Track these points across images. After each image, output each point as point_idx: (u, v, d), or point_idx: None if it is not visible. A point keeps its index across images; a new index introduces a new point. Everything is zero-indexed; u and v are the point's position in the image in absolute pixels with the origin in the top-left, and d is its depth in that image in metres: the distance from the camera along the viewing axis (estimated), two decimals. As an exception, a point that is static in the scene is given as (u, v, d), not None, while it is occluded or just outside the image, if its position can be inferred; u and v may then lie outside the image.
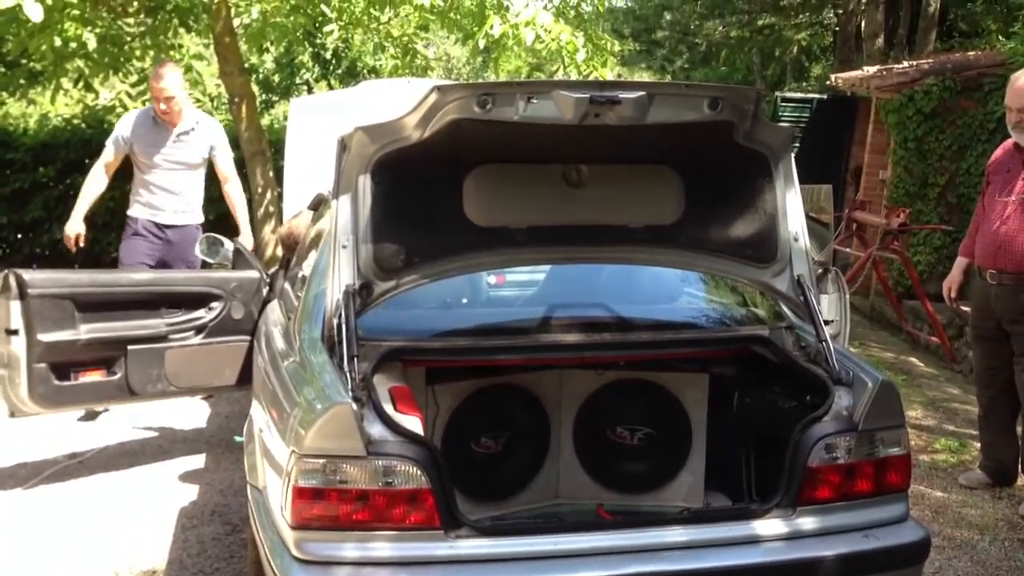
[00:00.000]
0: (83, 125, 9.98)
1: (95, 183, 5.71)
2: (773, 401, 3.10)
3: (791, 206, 2.98)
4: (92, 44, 7.37)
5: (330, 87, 16.35)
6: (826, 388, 2.77)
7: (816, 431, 2.66)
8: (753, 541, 2.60)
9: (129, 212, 5.75)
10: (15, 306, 3.92)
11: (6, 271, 4.00)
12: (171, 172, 5.68)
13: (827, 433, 2.66)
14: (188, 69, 9.31)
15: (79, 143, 9.75)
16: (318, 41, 15.19)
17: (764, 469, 3.05)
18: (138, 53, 8.18)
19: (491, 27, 6.97)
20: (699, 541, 2.60)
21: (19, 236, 9.86)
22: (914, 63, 9.86)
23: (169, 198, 5.70)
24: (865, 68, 10.89)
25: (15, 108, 10.93)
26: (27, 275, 3.97)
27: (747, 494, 3.14)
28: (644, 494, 3.39)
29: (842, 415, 2.70)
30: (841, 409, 2.70)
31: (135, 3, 7.64)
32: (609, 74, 8.21)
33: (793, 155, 2.97)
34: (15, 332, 3.90)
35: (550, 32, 7.10)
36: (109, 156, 5.67)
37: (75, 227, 5.57)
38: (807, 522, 2.64)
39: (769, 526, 2.62)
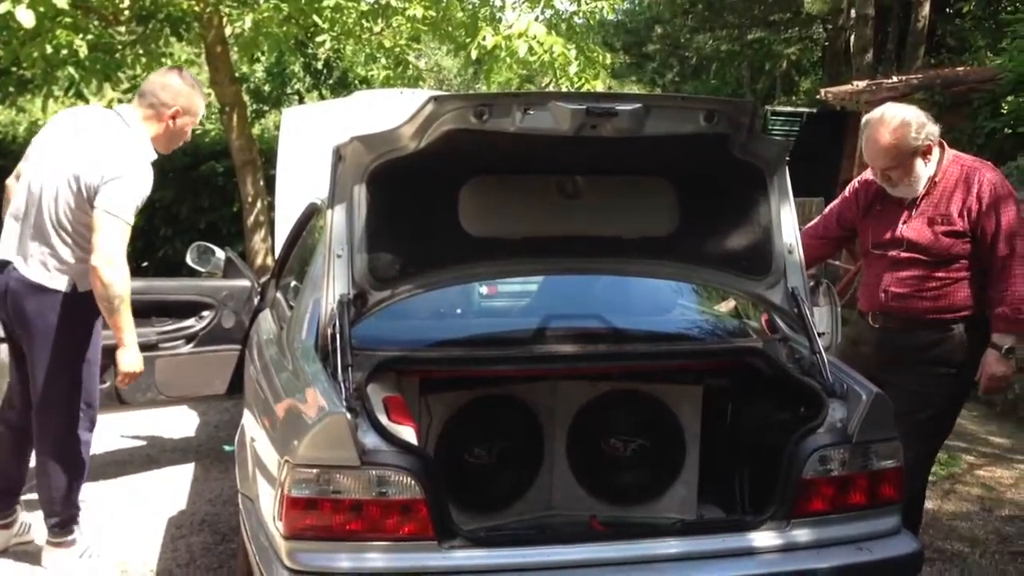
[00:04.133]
0: (73, 133, 9.96)
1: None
2: (767, 413, 3.10)
3: (786, 219, 2.99)
4: (83, 52, 7.36)
5: (321, 97, 16.36)
6: (820, 400, 2.77)
7: (810, 443, 2.66)
8: (747, 553, 2.60)
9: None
10: None
11: None
12: None
13: (821, 445, 2.66)
14: (179, 77, 9.33)
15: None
16: (310, 51, 15.16)
17: (758, 481, 3.05)
18: (129, 61, 8.17)
19: (483, 38, 6.99)
20: (693, 553, 2.59)
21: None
22: (903, 78, 9.96)
23: None
24: (855, 83, 10.98)
25: (4, 115, 10.92)
26: None
27: (741, 506, 3.14)
28: (637, 506, 3.38)
29: (836, 427, 2.70)
30: (835, 421, 2.71)
31: (127, 11, 7.63)
32: (600, 87, 8.25)
33: (787, 169, 2.98)
34: (4, 340, 3.86)
35: (543, 44, 7.12)
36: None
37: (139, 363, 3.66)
38: (801, 534, 2.64)
39: (763, 538, 2.62)
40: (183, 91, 3.60)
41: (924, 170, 3.44)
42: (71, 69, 7.64)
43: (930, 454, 3.61)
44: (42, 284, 3.47)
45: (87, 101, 9.34)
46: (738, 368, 3.21)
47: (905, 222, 3.51)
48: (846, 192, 3.81)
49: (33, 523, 3.84)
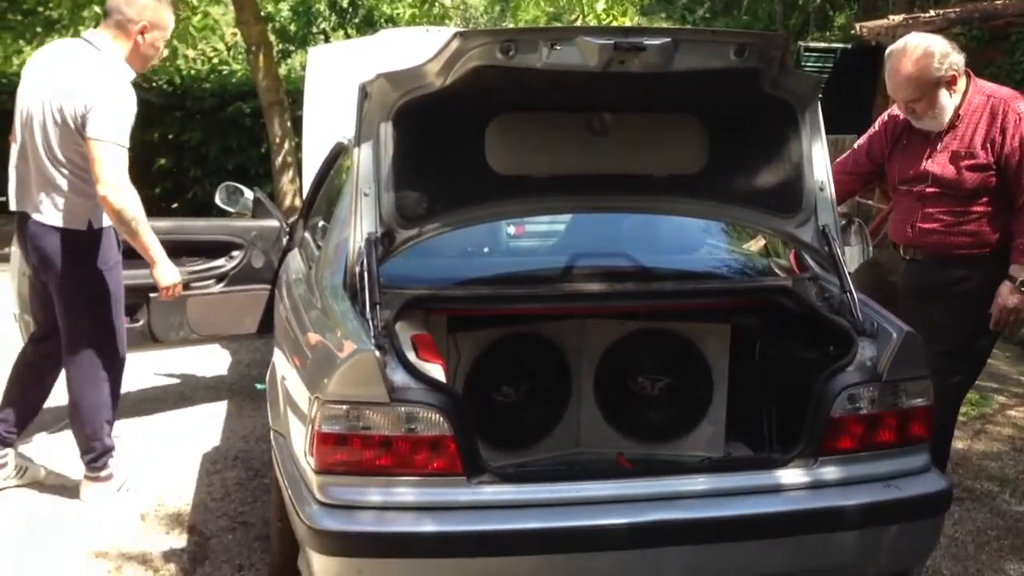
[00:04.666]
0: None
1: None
2: (796, 351, 3.09)
3: (817, 156, 2.95)
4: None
5: (347, 36, 16.23)
6: (850, 339, 2.75)
7: (839, 381, 2.65)
8: (775, 490, 2.60)
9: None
10: None
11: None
12: None
13: (851, 383, 2.65)
14: (204, 16, 9.29)
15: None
16: (335, -11, 15.08)
17: (785, 420, 3.05)
18: (155, 0, 8.14)
19: (511, -26, 6.88)
20: (721, 489, 2.60)
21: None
22: (940, 12, 9.71)
23: None
24: (891, 17, 10.72)
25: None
26: None
27: (768, 444, 3.14)
28: (665, 443, 3.39)
29: (866, 365, 2.68)
30: (865, 359, 2.69)
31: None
32: (628, 23, 8.12)
33: (819, 104, 2.93)
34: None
35: (571, -21, 7.01)
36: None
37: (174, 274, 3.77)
38: (829, 471, 2.64)
39: (791, 475, 2.62)
40: (148, 4, 3.53)
41: (949, 102, 3.38)
42: (97, 8, 7.62)
43: (950, 390, 3.52)
44: (56, 225, 3.51)
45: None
46: (766, 306, 3.19)
47: (930, 156, 3.47)
48: (875, 126, 3.75)
49: (60, 461, 3.94)
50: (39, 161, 3.49)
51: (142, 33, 3.53)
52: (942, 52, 3.33)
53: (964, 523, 3.77)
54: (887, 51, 3.48)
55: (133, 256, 3.68)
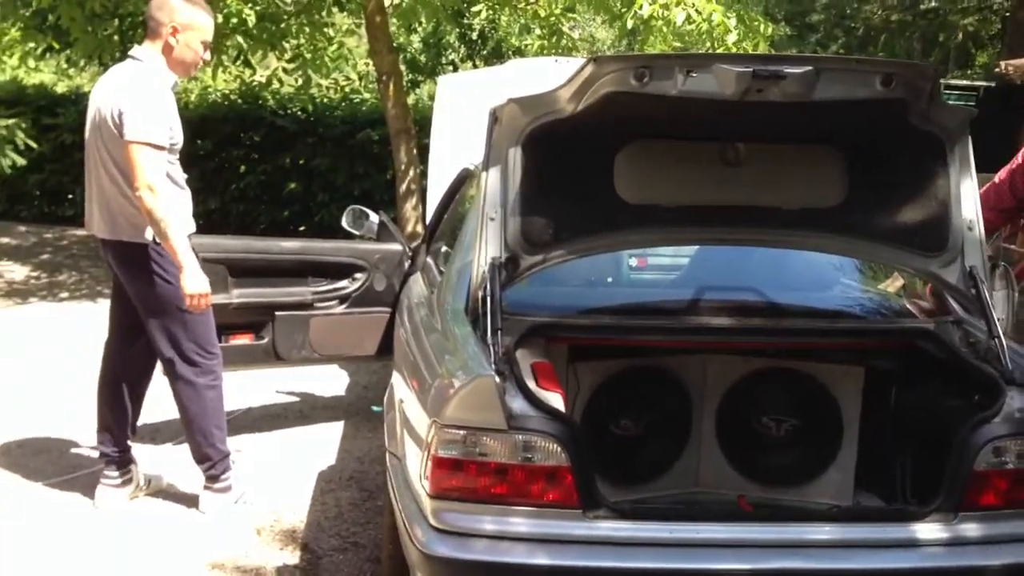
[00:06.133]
0: (239, 100, 10.37)
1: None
2: (936, 399, 2.91)
3: (966, 193, 2.79)
4: (252, 21, 7.62)
5: (475, 67, 16.46)
6: (997, 387, 2.58)
7: (985, 432, 2.48)
8: (910, 544, 2.44)
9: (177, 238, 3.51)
10: None
11: None
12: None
13: (998, 435, 2.47)
14: (339, 46, 9.55)
15: (236, 117, 10.16)
16: (465, 21, 15.32)
17: (922, 471, 2.87)
18: (294, 30, 8.42)
19: (640, 7, 6.84)
20: (851, 540, 2.46)
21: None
22: (1094, 50, 9.21)
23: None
24: (1038, 55, 10.24)
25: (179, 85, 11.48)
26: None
27: (901, 496, 2.97)
28: (789, 488, 3.25)
29: (1015, 417, 2.50)
30: (1014, 411, 2.51)
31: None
32: (760, 57, 7.95)
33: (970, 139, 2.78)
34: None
35: (701, 12, 6.93)
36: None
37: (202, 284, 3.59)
38: (970, 528, 2.46)
39: (928, 530, 2.46)
40: (178, 6, 3.58)
41: None
42: (239, 38, 7.92)
43: None
44: (123, 240, 3.62)
45: (253, 69, 9.73)
46: (905, 350, 3.03)
47: None
48: (1018, 159, 3.55)
49: (184, 472, 4.04)
50: (100, 180, 3.62)
51: (174, 35, 3.58)
52: None
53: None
54: None
55: (259, 275, 3.74)
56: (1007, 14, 16.44)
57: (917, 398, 3.04)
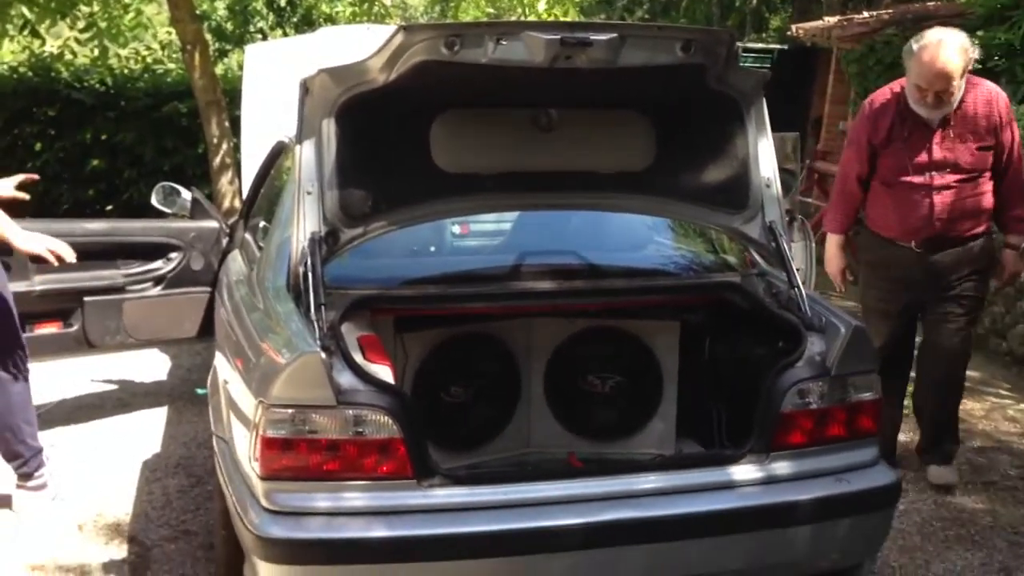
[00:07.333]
0: (30, 73, 9.70)
1: None
2: (745, 348, 3.09)
3: (763, 152, 2.96)
4: (37, -12, 7.13)
5: (285, 35, 15.99)
6: (799, 334, 2.76)
7: (789, 377, 2.65)
8: (727, 486, 2.60)
9: None
10: None
11: None
12: None
13: (800, 379, 2.65)
14: (137, 14, 9.07)
15: (27, 91, 9.49)
16: (273, -12, 14.87)
17: (736, 416, 3.05)
18: (86, -2, 7.93)
19: (452, -28, 6.83)
20: (673, 487, 2.58)
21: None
22: (874, 13, 9.88)
23: None
24: (825, 18, 10.88)
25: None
26: None
27: (719, 441, 3.14)
28: (616, 442, 3.38)
29: (815, 361, 2.69)
30: (814, 355, 2.70)
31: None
32: (570, 22, 8.10)
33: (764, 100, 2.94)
34: None
35: (512, -22, 6.98)
36: None
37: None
38: (781, 467, 2.64)
39: (743, 471, 2.62)
40: None
41: (960, 89, 3.58)
42: (24, 8, 7.40)
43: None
44: None
45: (42, 39, 9.11)
46: (715, 303, 3.19)
47: (940, 143, 3.64)
48: (859, 126, 3.83)
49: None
50: None
51: None
52: (969, 42, 3.56)
53: (910, 515, 3.81)
54: (918, 45, 3.55)
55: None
56: (797, -21, 17.38)
57: (729, 348, 3.22)
